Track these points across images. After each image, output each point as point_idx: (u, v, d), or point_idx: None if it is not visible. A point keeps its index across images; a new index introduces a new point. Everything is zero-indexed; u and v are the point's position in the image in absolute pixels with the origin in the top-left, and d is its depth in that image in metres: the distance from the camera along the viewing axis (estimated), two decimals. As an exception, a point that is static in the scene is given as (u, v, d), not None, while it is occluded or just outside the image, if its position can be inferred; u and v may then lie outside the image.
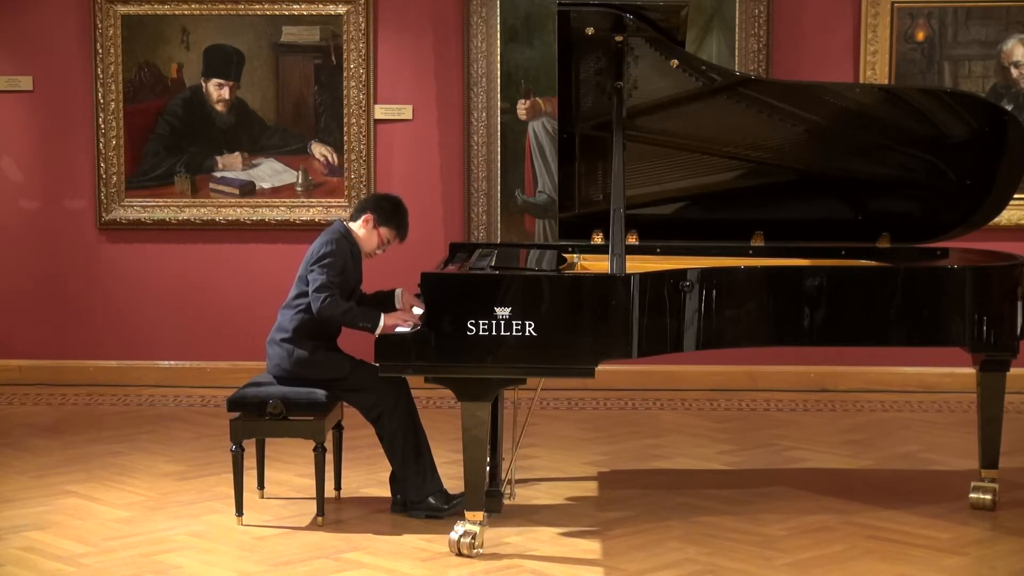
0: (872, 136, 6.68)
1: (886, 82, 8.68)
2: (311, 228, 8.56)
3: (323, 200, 8.92)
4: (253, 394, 6.17)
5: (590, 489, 6.76)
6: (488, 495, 6.07)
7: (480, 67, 8.87)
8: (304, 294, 6.19)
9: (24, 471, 7.07)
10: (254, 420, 6.15)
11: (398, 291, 6.38)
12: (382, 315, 6.05)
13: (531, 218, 9.00)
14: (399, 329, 5.90)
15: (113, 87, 8.97)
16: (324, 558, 5.78)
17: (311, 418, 6.13)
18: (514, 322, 5.62)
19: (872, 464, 7.23)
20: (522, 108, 8.93)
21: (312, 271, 6.13)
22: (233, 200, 9.02)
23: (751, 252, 6.80)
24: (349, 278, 6.22)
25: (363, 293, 6.44)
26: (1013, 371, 6.35)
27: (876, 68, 8.72)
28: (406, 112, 8.99)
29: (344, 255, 6.19)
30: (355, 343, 6.45)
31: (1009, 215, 8.63)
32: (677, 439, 7.76)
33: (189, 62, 8.99)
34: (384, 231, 6.31)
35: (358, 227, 6.31)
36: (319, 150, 8.99)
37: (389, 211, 6.31)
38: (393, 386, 6.19)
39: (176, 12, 8.93)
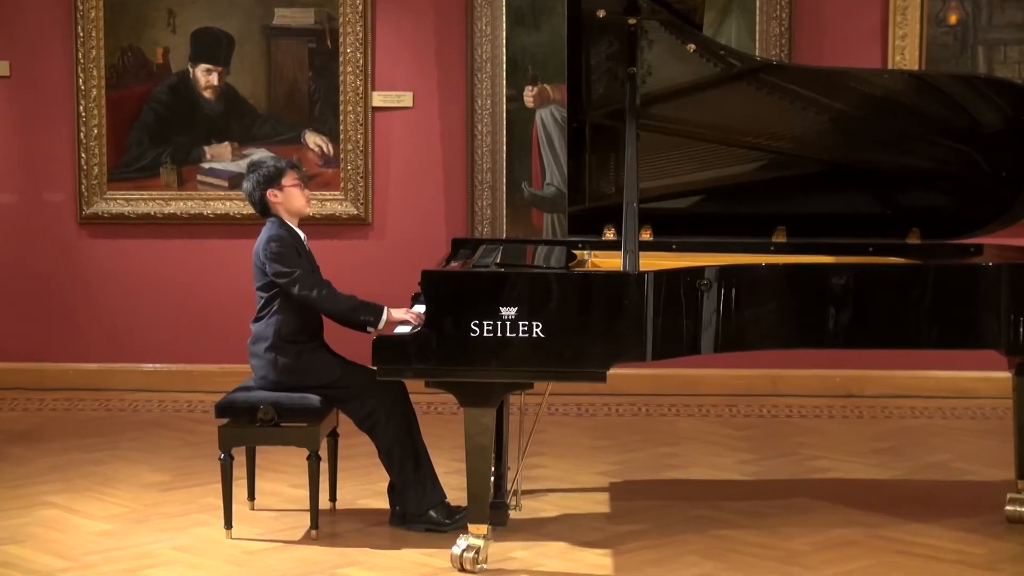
0: (901, 125, 6.67)
1: (916, 68, 8.67)
2: (305, 223, 8.53)
3: (318, 193, 8.91)
4: (243, 399, 6.17)
5: (601, 501, 6.76)
6: (493, 507, 6.07)
7: (485, 51, 8.86)
8: (271, 300, 6.20)
9: None
10: (244, 427, 6.15)
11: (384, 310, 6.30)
12: (386, 309, 6.06)
13: (539, 212, 9.00)
14: (400, 329, 5.90)
15: (95, 73, 8.97)
16: (318, 574, 5.78)
17: (304, 424, 6.13)
18: (520, 323, 5.62)
19: (901, 474, 7.22)
20: (529, 95, 8.93)
21: (279, 277, 6.12)
22: (222, 193, 9.03)
23: (772, 248, 6.80)
24: (304, 264, 6.22)
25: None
26: (1052, 376, 6.34)
27: (905, 53, 8.71)
28: (406, 99, 8.99)
29: (288, 243, 6.19)
30: (348, 345, 6.44)
31: (1047, 209, 8.61)
32: (694, 447, 7.76)
33: (176, 46, 8.99)
34: (287, 182, 6.25)
35: (278, 208, 6.27)
36: (314, 140, 8.99)
37: (268, 172, 6.24)
38: (389, 393, 6.18)
39: (162, -7, 8.95)
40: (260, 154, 6.44)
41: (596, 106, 6.50)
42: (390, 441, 6.22)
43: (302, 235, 6.33)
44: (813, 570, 5.80)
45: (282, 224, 6.27)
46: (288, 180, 6.28)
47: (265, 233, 6.23)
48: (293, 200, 6.30)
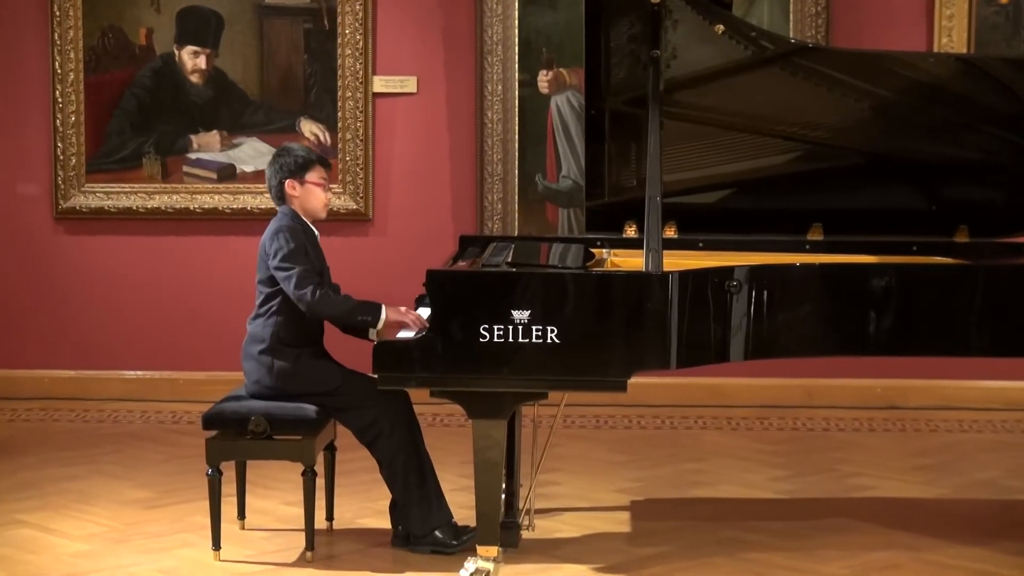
0: (948, 113, 6.67)
1: (964, 51, 8.67)
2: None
3: (313, 186, 8.93)
4: (232, 409, 6.18)
5: (621, 521, 6.77)
6: (503, 527, 6.07)
7: (495, 32, 8.87)
8: (271, 297, 6.22)
9: (-31, 497, 7.11)
10: (234, 439, 6.16)
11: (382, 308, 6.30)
12: (383, 307, 6.06)
13: (553, 207, 9.01)
14: (402, 334, 5.90)
15: (72, 55, 8.99)
16: (314, 599, 5.82)
17: (299, 437, 6.13)
18: (534, 327, 5.62)
19: (947, 493, 7.22)
20: (543, 80, 8.93)
21: (278, 270, 6.14)
22: (210, 186, 9.04)
23: (808, 247, 6.80)
24: (314, 262, 6.23)
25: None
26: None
27: (953, 34, 8.71)
28: (409, 85, 8.99)
29: (300, 237, 6.21)
30: (344, 350, 6.44)
31: (1107, 205, 8.61)
32: (722, 463, 7.76)
33: (160, 26, 9.00)
34: (310, 177, 6.32)
35: (293, 201, 6.32)
36: (309, 128, 9.01)
37: (292, 161, 6.32)
38: (392, 402, 6.19)
39: (145, -31, 8.97)
40: (298, 147, 6.45)
41: (616, 92, 6.51)
42: (392, 455, 6.22)
43: (316, 232, 6.36)
44: (851, 597, 5.83)
45: (295, 216, 6.29)
46: (312, 176, 6.32)
47: (275, 223, 6.26)
48: (311, 198, 6.33)
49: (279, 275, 6.15)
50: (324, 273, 6.31)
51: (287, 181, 6.30)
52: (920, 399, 8.94)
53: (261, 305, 6.27)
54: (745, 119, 6.69)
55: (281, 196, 6.33)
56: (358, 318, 6.11)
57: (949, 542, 6.40)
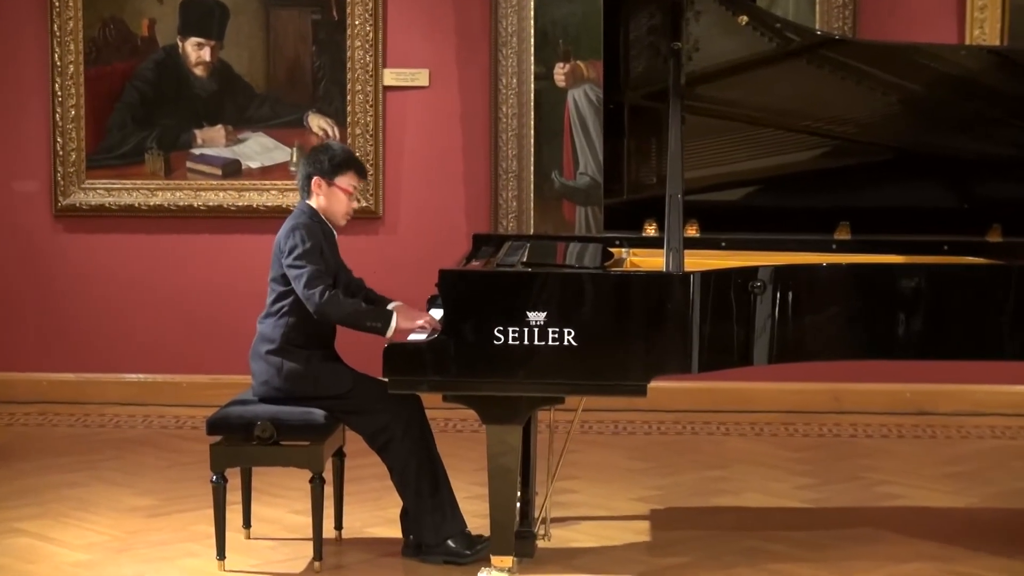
0: (980, 107, 6.66)
1: (997, 43, 8.65)
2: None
3: (322, 183, 8.93)
4: (238, 414, 6.18)
5: (640, 530, 6.77)
6: (518, 536, 6.08)
7: (510, 24, 8.86)
8: (283, 296, 6.22)
9: (-35, 505, 7.12)
10: (239, 445, 6.15)
11: (393, 305, 6.32)
12: (395, 315, 6.06)
13: (570, 205, 9.00)
14: (414, 336, 5.90)
15: (72, 47, 8.99)
16: (322, 611, 5.82)
17: (307, 443, 6.13)
18: (550, 329, 5.62)
19: (979, 502, 7.21)
20: (560, 73, 8.93)
21: (290, 268, 6.14)
22: (215, 182, 9.04)
23: (835, 247, 6.79)
24: (329, 263, 6.23)
25: (368, 289, 6.45)
26: None
27: (985, 26, 8.69)
28: (421, 78, 8.99)
29: (316, 236, 6.21)
30: (355, 354, 6.44)
31: None
32: (745, 470, 7.76)
33: (163, 17, 9.01)
34: (340, 181, 6.32)
35: (316, 200, 6.32)
36: (317, 123, 9.01)
37: (327, 160, 6.32)
38: (404, 406, 6.19)
39: (147, -42, 8.98)
40: (339, 148, 6.47)
41: (635, 85, 6.51)
42: (404, 461, 6.22)
43: (334, 231, 6.36)
44: (880, 609, 5.82)
45: (314, 214, 6.29)
46: (342, 180, 6.31)
47: (292, 219, 6.26)
48: (335, 202, 6.32)
49: (291, 273, 6.15)
50: (339, 274, 6.31)
51: (315, 178, 6.29)
52: (951, 404, 8.93)
53: (272, 304, 6.27)
54: (769, 114, 6.69)
55: (306, 190, 6.33)
56: (367, 324, 6.09)
57: (980, 553, 6.39)
